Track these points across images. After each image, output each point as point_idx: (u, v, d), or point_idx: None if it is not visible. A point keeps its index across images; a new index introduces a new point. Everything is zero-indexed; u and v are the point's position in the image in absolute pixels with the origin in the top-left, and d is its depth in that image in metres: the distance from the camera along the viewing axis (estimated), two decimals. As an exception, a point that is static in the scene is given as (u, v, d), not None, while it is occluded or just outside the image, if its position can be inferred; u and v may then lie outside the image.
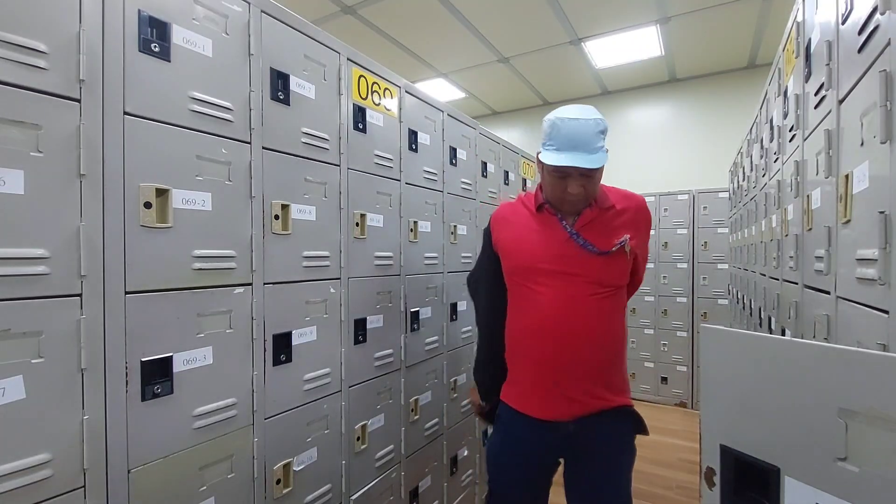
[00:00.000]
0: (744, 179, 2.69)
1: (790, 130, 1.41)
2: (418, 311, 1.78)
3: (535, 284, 1.20)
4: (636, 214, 1.24)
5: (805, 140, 1.25)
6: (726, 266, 3.80)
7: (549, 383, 1.18)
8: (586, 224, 1.20)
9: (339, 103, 1.41)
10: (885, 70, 0.69)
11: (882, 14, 0.72)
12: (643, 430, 1.24)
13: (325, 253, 1.35)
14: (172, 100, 0.97)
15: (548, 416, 1.19)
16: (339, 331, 1.41)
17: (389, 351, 1.62)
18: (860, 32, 0.81)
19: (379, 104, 1.58)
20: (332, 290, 1.38)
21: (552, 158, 1.12)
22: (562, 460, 1.30)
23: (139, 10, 0.91)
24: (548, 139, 1.15)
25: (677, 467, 2.90)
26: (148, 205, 0.92)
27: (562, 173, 1.13)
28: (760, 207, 2.02)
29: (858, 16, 0.83)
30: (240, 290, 1.11)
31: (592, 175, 1.14)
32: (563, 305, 1.16)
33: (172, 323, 0.97)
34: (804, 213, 1.23)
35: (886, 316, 0.69)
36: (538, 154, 1.20)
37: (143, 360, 0.91)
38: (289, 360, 1.23)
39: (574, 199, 1.16)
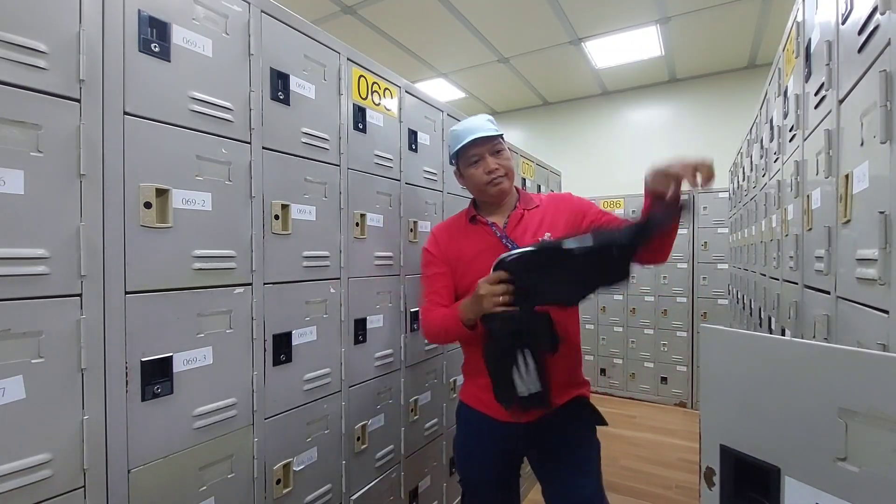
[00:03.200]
0: (744, 179, 2.69)
1: (790, 130, 1.41)
2: (418, 311, 1.78)
3: None
4: (559, 203, 1.30)
5: (805, 140, 1.25)
6: (726, 266, 3.80)
7: None
8: (515, 226, 1.26)
9: (339, 103, 1.41)
10: (885, 70, 0.69)
11: (882, 14, 0.72)
12: (601, 421, 1.26)
13: (325, 253, 1.35)
14: (172, 100, 0.97)
15: (507, 418, 1.20)
16: (339, 331, 1.40)
17: (389, 351, 1.62)
18: (860, 32, 0.81)
19: (379, 104, 1.58)
20: (332, 290, 1.38)
21: (461, 144, 1.26)
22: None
23: (139, 10, 0.91)
24: (453, 144, 1.30)
25: (677, 467, 2.90)
26: (148, 205, 0.92)
27: (475, 157, 1.26)
28: (760, 207, 2.02)
29: (858, 16, 0.83)
30: (240, 290, 1.11)
31: (500, 150, 1.27)
32: None
33: (172, 323, 0.97)
34: (804, 213, 1.23)
35: (886, 316, 0.69)
36: (455, 170, 1.37)
37: (143, 360, 0.91)
38: (289, 360, 1.23)
39: (498, 179, 1.25)
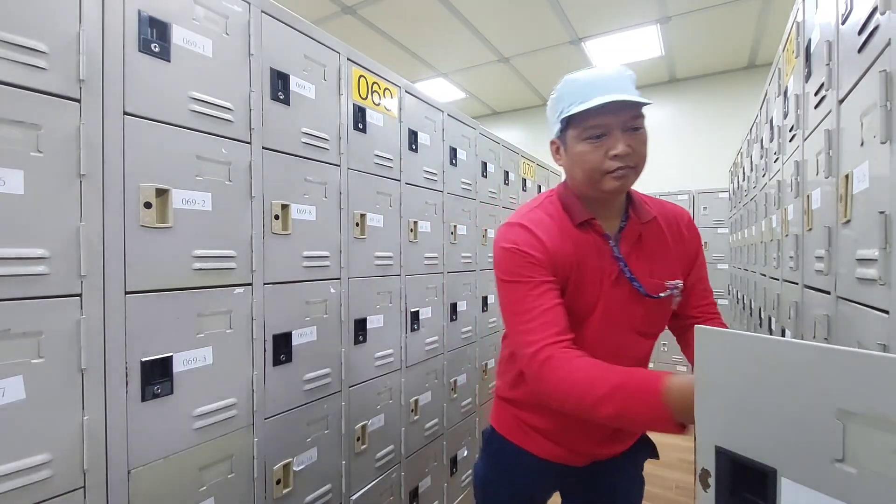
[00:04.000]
0: (744, 179, 2.69)
1: (790, 130, 1.40)
2: (418, 311, 1.78)
3: (577, 328, 0.88)
4: (675, 225, 0.96)
5: (805, 140, 1.25)
6: (726, 266, 3.80)
7: (573, 435, 0.97)
8: (631, 248, 0.90)
9: (339, 103, 1.41)
10: (885, 70, 0.69)
11: (882, 14, 0.72)
12: (654, 455, 1.11)
13: (325, 253, 1.35)
14: (172, 100, 0.97)
15: (558, 459, 1.00)
16: (339, 331, 1.41)
17: (389, 351, 1.62)
18: (860, 32, 0.81)
19: (379, 104, 1.58)
20: (332, 290, 1.38)
21: (582, 106, 0.79)
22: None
23: (139, 11, 0.91)
24: (567, 100, 0.83)
25: (676, 467, 2.90)
26: (148, 205, 0.92)
27: (597, 129, 0.82)
28: (760, 207, 2.02)
29: (858, 16, 0.83)
30: (240, 290, 1.11)
31: (638, 126, 0.84)
32: (605, 356, 0.82)
33: (172, 323, 0.97)
34: (804, 214, 1.23)
35: (886, 316, 0.69)
36: (555, 139, 0.91)
37: (143, 360, 0.91)
38: (289, 360, 1.23)
39: (623, 171, 0.84)
